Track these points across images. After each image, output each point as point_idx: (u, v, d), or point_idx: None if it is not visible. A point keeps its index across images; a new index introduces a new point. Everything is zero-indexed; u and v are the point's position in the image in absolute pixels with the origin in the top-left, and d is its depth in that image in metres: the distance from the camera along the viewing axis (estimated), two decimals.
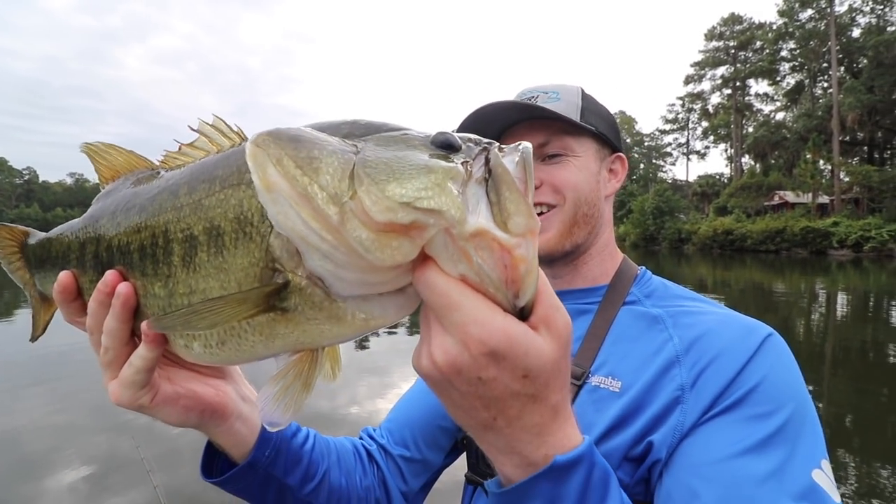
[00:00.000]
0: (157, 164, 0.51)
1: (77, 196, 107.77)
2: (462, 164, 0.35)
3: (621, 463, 0.62)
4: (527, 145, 0.37)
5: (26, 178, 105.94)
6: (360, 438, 0.89)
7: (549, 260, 0.79)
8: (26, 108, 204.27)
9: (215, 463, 0.62)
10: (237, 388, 0.59)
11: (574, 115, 0.77)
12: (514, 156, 0.36)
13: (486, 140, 0.38)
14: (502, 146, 0.37)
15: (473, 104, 0.75)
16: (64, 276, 0.51)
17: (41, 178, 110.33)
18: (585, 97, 0.81)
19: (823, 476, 0.54)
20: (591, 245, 0.81)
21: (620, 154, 0.84)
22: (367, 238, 0.33)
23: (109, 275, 0.47)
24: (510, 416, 0.37)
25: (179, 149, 0.49)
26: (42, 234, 0.58)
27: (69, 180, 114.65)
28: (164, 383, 0.51)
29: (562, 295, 0.77)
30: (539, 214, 0.72)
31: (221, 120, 0.45)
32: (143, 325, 0.44)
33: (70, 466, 3.77)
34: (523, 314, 0.35)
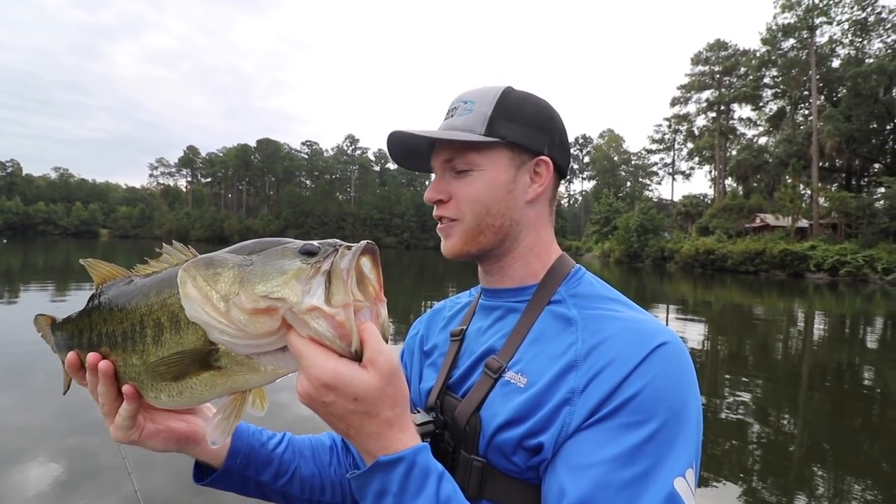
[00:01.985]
0: (132, 272, 0.68)
1: (61, 191, 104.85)
2: (314, 263, 0.51)
3: (516, 450, 0.68)
4: (362, 245, 0.53)
5: (9, 170, 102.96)
6: None
7: (467, 259, 0.85)
8: (13, 100, 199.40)
9: (202, 471, 0.81)
10: (206, 418, 0.76)
11: (479, 128, 0.78)
12: (347, 255, 0.52)
13: (337, 244, 0.54)
14: (349, 246, 0.53)
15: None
16: (71, 355, 0.69)
17: (25, 171, 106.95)
18: (501, 103, 0.79)
19: (684, 484, 0.59)
20: (512, 248, 0.83)
21: (543, 157, 0.81)
22: (244, 318, 0.50)
23: (91, 357, 0.65)
24: (355, 427, 0.53)
25: (147, 263, 0.67)
26: (62, 319, 0.76)
27: (53, 174, 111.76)
28: (148, 423, 0.68)
29: (495, 293, 0.86)
30: (447, 222, 0.82)
31: (179, 245, 0.64)
32: (124, 388, 0.63)
33: (44, 466, 3.64)
34: (359, 356, 0.51)
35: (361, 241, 0.54)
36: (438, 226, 0.84)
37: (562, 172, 0.85)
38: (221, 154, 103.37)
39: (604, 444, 0.61)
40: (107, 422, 0.67)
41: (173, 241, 0.64)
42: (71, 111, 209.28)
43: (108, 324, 0.65)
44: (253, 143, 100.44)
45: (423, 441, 0.57)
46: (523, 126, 0.79)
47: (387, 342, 0.54)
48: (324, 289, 0.50)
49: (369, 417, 0.53)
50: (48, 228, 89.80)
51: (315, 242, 0.54)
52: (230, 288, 0.52)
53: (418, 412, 0.81)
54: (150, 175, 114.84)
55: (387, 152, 0.85)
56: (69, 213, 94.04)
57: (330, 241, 0.55)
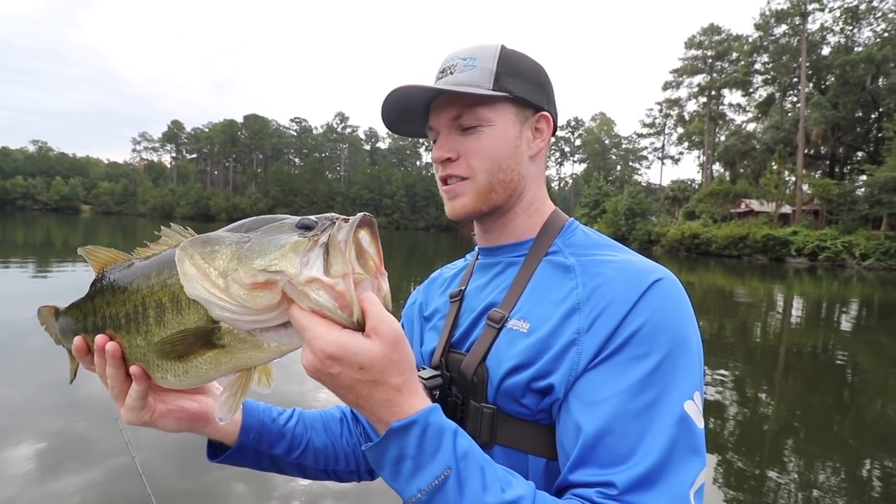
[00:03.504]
0: (132, 256, 0.68)
1: (39, 165, 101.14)
2: (311, 237, 0.51)
3: (525, 393, 0.70)
4: (359, 218, 0.52)
5: None
6: None
7: (475, 219, 0.86)
8: None
9: (216, 449, 0.82)
10: (215, 398, 0.72)
11: (486, 82, 0.77)
12: (345, 227, 0.52)
13: (334, 217, 0.54)
14: (346, 219, 0.53)
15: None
16: (77, 340, 0.69)
17: (1, 144, 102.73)
18: (503, 59, 0.79)
19: (693, 406, 0.62)
20: (516, 204, 0.84)
21: (544, 112, 0.82)
22: (243, 293, 0.50)
23: (99, 338, 0.65)
24: (364, 397, 0.53)
25: (146, 246, 0.67)
26: (65, 307, 0.76)
27: (31, 147, 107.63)
28: (159, 404, 0.68)
29: (495, 250, 0.87)
30: (456, 182, 0.81)
31: (178, 227, 0.64)
32: (131, 369, 0.63)
33: (31, 444, 3.64)
34: (362, 326, 0.51)
35: (359, 214, 0.53)
36: (443, 187, 0.83)
37: (554, 129, 0.86)
38: (207, 129, 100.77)
39: (614, 378, 0.63)
40: (118, 404, 0.67)
41: (172, 224, 0.64)
42: (47, 81, 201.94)
43: (111, 307, 0.66)
44: (240, 119, 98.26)
45: (431, 397, 0.59)
46: (525, 82, 0.80)
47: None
48: (322, 260, 0.50)
49: (377, 386, 0.52)
50: (27, 203, 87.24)
51: (312, 217, 0.55)
52: (228, 264, 0.52)
53: (424, 369, 0.82)
54: (133, 150, 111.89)
55: (381, 120, 0.83)
56: (49, 187, 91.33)
57: (327, 215, 0.55)
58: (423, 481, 0.53)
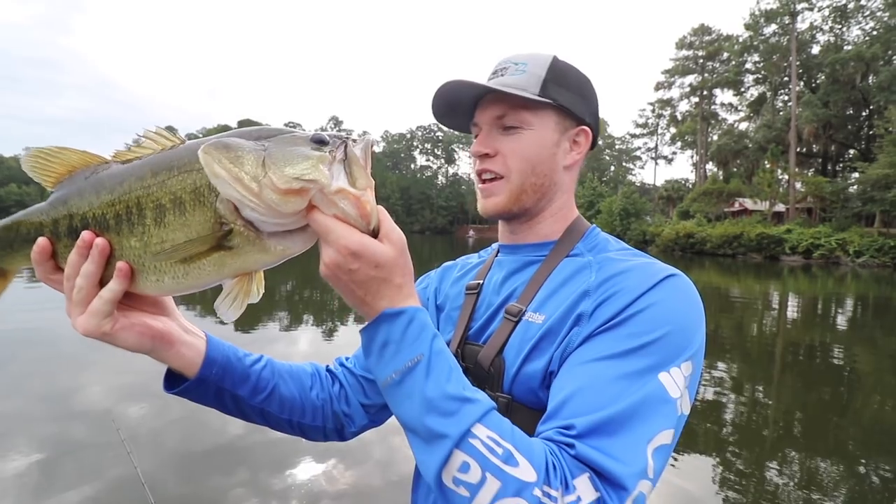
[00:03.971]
0: (110, 159, 0.65)
1: None
2: (329, 152, 0.56)
3: (542, 382, 0.72)
4: (368, 139, 0.59)
5: None
6: (329, 364, 1.00)
7: (504, 219, 0.88)
8: None
9: (175, 382, 0.76)
10: (179, 323, 0.73)
11: (534, 88, 0.80)
12: (360, 144, 0.58)
13: (344, 135, 0.59)
14: (355, 139, 0.59)
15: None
16: (42, 240, 0.64)
17: None
18: (553, 68, 0.82)
19: (669, 378, 0.63)
20: (544, 209, 0.87)
21: (584, 127, 0.85)
22: (276, 198, 0.54)
23: (86, 233, 0.61)
24: (373, 292, 0.60)
25: (129, 148, 0.65)
26: (2, 222, 0.70)
27: (25, 154, 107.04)
28: (121, 317, 0.65)
29: (516, 248, 0.89)
30: (490, 181, 0.84)
31: (159, 129, 0.64)
32: (119, 264, 0.61)
33: (31, 453, 3.58)
34: (375, 234, 0.59)
35: (366, 136, 0.60)
36: (479, 184, 0.86)
37: (594, 143, 0.88)
38: (201, 135, 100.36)
39: (602, 347, 0.66)
40: (76, 311, 0.62)
41: (154, 127, 0.64)
42: (42, 89, 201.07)
43: (95, 208, 0.62)
44: (234, 124, 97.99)
45: None
46: (571, 93, 0.83)
47: None
48: (345, 174, 0.56)
49: (385, 283, 0.60)
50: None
51: (323, 133, 0.58)
52: (257, 170, 0.55)
53: None
54: None
55: (430, 109, 0.87)
56: (43, 195, 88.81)
57: (333, 132, 0.60)
58: (399, 363, 0.59)
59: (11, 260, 0.70)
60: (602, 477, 0.57)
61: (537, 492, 0.54)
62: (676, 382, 0.64)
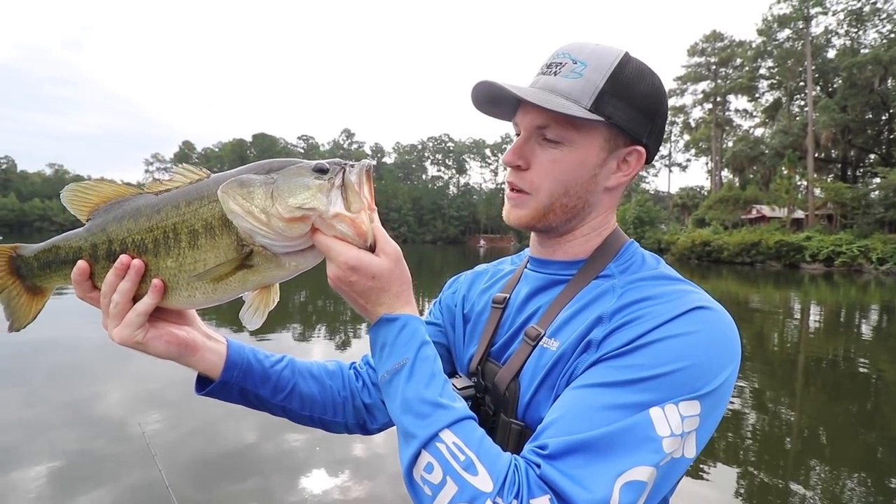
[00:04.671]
0: (142, 190, 0.74)
1: (56, 187, 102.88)
2: (328, 179, 0.64)
3: None
4: (364, 164, 0.66)
5: (4, 167, 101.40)
6: (356, 362, 1.02)
7: (531, 231, 0.84)
8: (6, 97, 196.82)
9: (204, 384, 0.83)
10: (201, 331, 0.81)
11: (586, 99, 0.70)
12: (356, 169, 0.66)
13: (343, 162, 0.66)
14: (353, 164, 0.66)
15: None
16: (82, 263, 0.72)
17: (19, 168, 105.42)
18: (617, 76, 0.71)
19: (660, 414, 0.58)
20: (576, 227, 0.80)
21: (638, 147, 0.75)
22: (282, 226, 0.63)
23: (124, 257, 0.70)
24: (372, 300, 0.67)
25: (159, 182, 0.73)
26: (42, 245, 0.78)
27: (48, 171, 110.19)
28: (151, 328, 0.72)
29: (545, 263, 0.85)
30: (518, 192, 0.78)
31: (188, 165, 0.72)
32: (154, 281, 0.69)
33: (45, 461, 3.64)
34: (373, 249, 0.66)
35: (363, 161, 0.67)
36: (508, 192, 0.80)
37: (650, 160, 0.79)
38: (217, 149, 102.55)
39: (601, 375, 0.62)
40: (112, 324, 0.70)
41: (182, 164, 0.72)
42: (63, 106, 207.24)
43: (134, 234, 0.71)
44: (249, 138, 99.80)
45: (465, 403, 0.65)
46: (631, 108, 0.72)
47: None
48: (342, 198, 0.64)
49: (383, 292, 0.67)
50: (44, 225, 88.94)
51: (324, 162, 0.66)
52: (265, 202, 0.64)
53: (460, 377, 0.84)
54: (146, 171, 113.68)
55: (470, 98, 0.80)
56: (65, 209, 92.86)
57: (335, 160, 0.67)
58: (389, 363, 0.66)
59: (49, 279, 0.78)
60: (561, 500, 0.55)
61: (489, 503, 0.55)
62: (669, 420, 0.58)
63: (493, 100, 0.78)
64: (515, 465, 0.58)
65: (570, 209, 0.77)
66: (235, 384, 0.82)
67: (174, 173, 0.72)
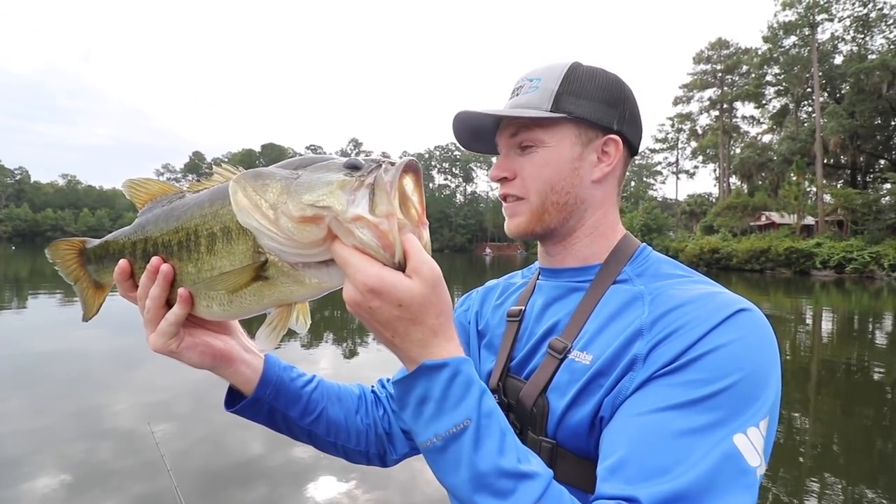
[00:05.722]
0: (185, 189, 0.72)
1: (68, 197, 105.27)
2: (359, 177, 0.52)
3: (591, 429, 0.66)
4: (405, 161, 0.54)
5: (18, 177, 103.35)
6: (374, 385, 0.98)
7: (533, 239, 0.84)
8: (22, 109, 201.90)
9: (234, 399, 0.80)
10: (240, 343, 0.77)
11: (545, 103, 0.75)
12: (392, 170, 0.53)
13: (381, 159, 0.55)
14: (391, 162, 0.54)
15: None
16: (123, 262, 0.71)
17: (33, 179, 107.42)
18: (568, 78, 0.76)
19: (745, 440, 0.55)
20: (577, 227, 0.81)
21: (613, 136, 0.77)
22: (291, 226, 0.52)
23: (155, 259, 0.66)
24: (400, 334, 0.53)
25: (199, 181, 0.71)
26: (100, 240, 0.80)
27: (61, 181, 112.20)
28: (187, 336, 0.69)
29: (557, 272, 0.83)
30: (513, 201, 0.81)
31: (228, 165, 0.67)
32: (180, 290, 0.65)
33: (55, 469, 3.66)
34: (402, 267, 0.52)
35: (405, 158, 0.54)
36: (504, 205, 0.82)
37: (633, 149, 0.82)
38: (227, 160, 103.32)
39: (664, 395, 0.58)
40: (148, 330, 0.67)
41: (221, 163, 0.68)
42: (77, 118, 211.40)
43: (164, 234, 0.68)
44: (258, 148, 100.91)
45: None
46: (591, 101, 0.77)
47: None
48: (368, 200, 0.51)
49: (414, 324, 0.53)
50: (56, 235, 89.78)
51: (360, 158, 0.56)
52: (278, 198, 0.53)
53: None
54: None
55: (453, 136, 0.85)
56: (77, 219, 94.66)
57: (374, 157, 0.56)
58: (441, 426, 0.52)
59: (105, 274, 0.78)
60: None
61: None
62: (755, 446, 0.55)
63: (474, 135, 0.84)
64: None
65: (563, 206, 0.78)
66: (266, 402, 0.78)
67: (215, 173, 0.68)
